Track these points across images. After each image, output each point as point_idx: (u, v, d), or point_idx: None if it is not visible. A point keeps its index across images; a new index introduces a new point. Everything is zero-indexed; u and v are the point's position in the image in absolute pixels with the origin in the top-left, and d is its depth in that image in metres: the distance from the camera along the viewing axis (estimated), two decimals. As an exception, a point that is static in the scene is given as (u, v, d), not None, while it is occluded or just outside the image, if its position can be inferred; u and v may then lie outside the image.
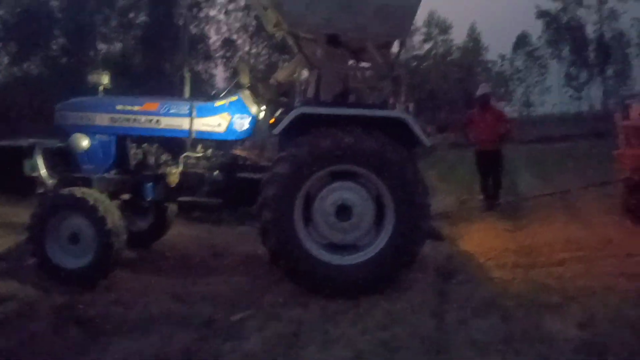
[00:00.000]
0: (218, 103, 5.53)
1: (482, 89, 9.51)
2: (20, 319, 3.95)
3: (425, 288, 4.84)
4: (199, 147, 5.62)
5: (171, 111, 5.47)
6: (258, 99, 5.63)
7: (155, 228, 6.39)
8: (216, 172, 5.44)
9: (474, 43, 51.48)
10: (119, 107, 5.51)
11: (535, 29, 55.49)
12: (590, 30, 46.32)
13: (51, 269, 4.88)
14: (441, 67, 41.65)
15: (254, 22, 26.79)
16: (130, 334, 3.90)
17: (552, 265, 5.40)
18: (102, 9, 24.50)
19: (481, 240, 6.80)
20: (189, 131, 5.40)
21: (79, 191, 4.96)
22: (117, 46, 25.14)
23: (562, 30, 47.50)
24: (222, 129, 5.45)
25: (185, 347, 3.68)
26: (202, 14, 26.42)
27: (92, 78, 5.72)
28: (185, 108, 5.44)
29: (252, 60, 27.42)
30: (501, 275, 5.09)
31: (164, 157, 5.65)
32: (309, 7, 4.92)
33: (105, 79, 5.67)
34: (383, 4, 4.94)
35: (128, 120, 5.49)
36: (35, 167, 5.25)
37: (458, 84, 39.77)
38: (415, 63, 28.47)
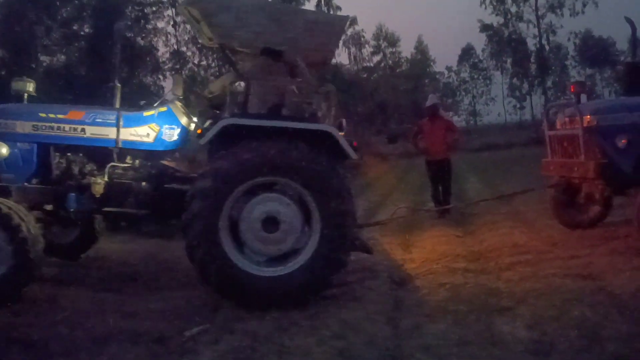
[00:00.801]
0: (147, 113, 5.49)
1: (431, 100, 9.78)
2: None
3: (380, 296, 4.89)
4: (127, 158, 5.51)
5: (97, 120, 5.38)
6: (189, 110, 5.65)
7: (83, 240, 6.33)
8: (143, 183, 5.36)
9: (422, 55, 52.86)
10: (42, 114, 5.38)
11: (479, 42, 57.46)
12: (530, 44, 48.37)
13: None
14: (390, 78, 42.48)
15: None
16: (78, 355, 3.72)
17: (500, 269, 5.55)
18: (42, 20, 23.67)
19: (433, 246, 6.94)
20: (116, 140, 5.33)
21: None
22: (61, 58, 24.31)
23: (504, 43, 49.40)
24: (150, 139, 5.40)
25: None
26: (149, 26, 25.97)
27: (16, 85, 5.61)
28: (112, 117, 5.37)
29: (202, 72, 27.16)
30: (453, 281, 5.19)
31: (89, 167, 5.49)
32: (238, 21, 4.99)
33: (30, 87, 5.59)
34: (312, 20, 5.16)
35: (52, 128, 5.34)
36: None
37: (407, 95, 40.65)
38: (365, 75, 28.89)
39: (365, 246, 5.61)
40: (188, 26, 26.66)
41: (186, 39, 26.98)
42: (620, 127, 5.95)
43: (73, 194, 5.23)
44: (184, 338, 4.01)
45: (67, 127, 5.34)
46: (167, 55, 26.77)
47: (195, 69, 27.32)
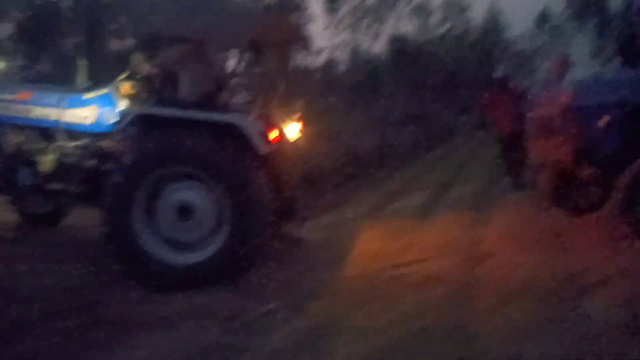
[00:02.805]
0: (87, 96, 5.61)
1: (500, 71, 9.29)
2: (47, 318, 3.90)
3: (454, 274, 4.70)
4: (71, 139, 5.63)
5: (42, 101, 5.62)
6: (131, 93, 5.65)
7: (59, 209, 6.65)
8: (85, 163, 5.47)
9: (494, 22, 50.48)
10: None
11: (557, 3, 54.09)
12: (615, 4, 44.98)
13: None
14: (460, 48, 40.94)
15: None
16: (157, 330, 3.84)
17: (585, 247, 5.19)
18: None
19: (508, 222, 6.61)
20: (58, 122, 5.52)
21: None
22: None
23: (585, 3, 46.21)
24: (89, 121, 5.53)
25: (213, 342, 3.62)
26: None
27: None
28: (54, 99, 5.57)
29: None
30: (533, 259, 4.90)
31: (37, 145, 5.67)
32: (152, 10, 5.02)
33: (0, 65, 5.83)
34: (225, 9, 5.24)
35: (1, 108, 5.67)
36: None
37: (478, 65, 39.09)
38: (432, 46, 28.00)
39: (295, 238, 5.72)
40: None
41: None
42: (600, 106, 5.37)
43: (23, 171, 5.55)
44: (256, 315, 4.04)
45: (15, 107, 5.66)
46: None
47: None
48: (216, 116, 4.96)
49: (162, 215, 4.86)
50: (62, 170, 5.49)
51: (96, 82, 5.80)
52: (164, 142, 4.79)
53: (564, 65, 6.66)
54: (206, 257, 4.79)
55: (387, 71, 24.96)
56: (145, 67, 5.71)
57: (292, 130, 5.69)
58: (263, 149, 4.85)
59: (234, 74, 5.64)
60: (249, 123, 4.87)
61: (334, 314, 3.97)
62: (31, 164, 5.56)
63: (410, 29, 26.76)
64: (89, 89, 5.71)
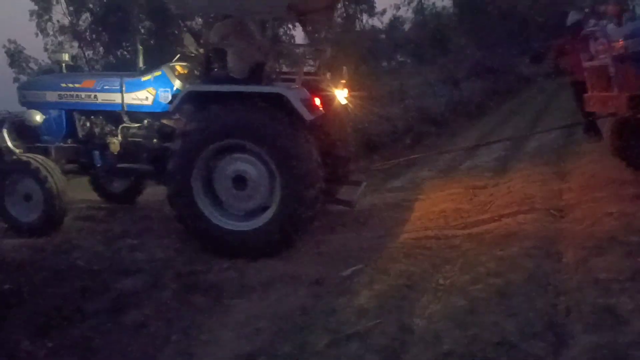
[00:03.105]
0: (144, 78, 6.02)
1: (572, 17, 8.73)
2: (149, 289, 4.26)
3: (537, 229, 4.63)
4: (135, 119, 6.12)
5: (105, 87, 6.11)
6: (185, 73, 6.04)
7: (133, 187, 7.39)
8: (151, 141, 5.91)
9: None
10: (63, 85, 6.27)
11: None
12: None
13: (13, 224, 5.88)
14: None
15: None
16: (249, 296, 4.10)
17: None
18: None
19: (593, 172, 6.37)
20: (122, 105, 6.01)
21: (24, 156, 5.90)
22: (198, 22, 25.69)
23: None
24: (149, 102, 5.94)
25: (301, 305, 3.81)
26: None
27: (54, 57, 6.42)
28: (116, 84, 6.04)
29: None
30: (621, 209, 4.71)
31: (107, 128, 6.33)
32: None
33: (66, 57, 6.55)
34: None
35: (72, 96, 6.23)
36: (2, 139, 6.12)
37: (551, 10, 36.76)
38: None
39: (346, 201, 5.84)
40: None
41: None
42: None
43: (97, 152, 6.11)
44: (340, 279, 4.20)
45: (83, 94, 6.18)
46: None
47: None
48: (261, 88, 5.09)
49: (219, 185, 5.15)
50: (129, 149, 5.98)
51: (152, 65, 6.28)
52: (214, 117, 5.00)
53: (620, 8, 6.08)
54: (259, 225, 5.02)
55: (454, 24, 24.05)
56: (195, 47, 6.03)
57: (341, 95, 5.86)
58: (308, 117, 4.93)
59: (278, 44, 5.80)
60: (293, 92, 4.97)
61: (415, 274, 4.06)
62: (101, 146, 6.10)
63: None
64: (145, 72, 6.11)
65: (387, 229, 5.44)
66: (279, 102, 4.90)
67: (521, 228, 4.67)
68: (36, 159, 5.81)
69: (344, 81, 5.99)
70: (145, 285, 4.31)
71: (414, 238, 4.96)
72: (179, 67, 6.08)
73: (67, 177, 6.11)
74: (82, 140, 6.35)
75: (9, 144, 6.12)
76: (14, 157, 5.95)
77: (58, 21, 33.06)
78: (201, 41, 5.75)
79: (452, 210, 5.83)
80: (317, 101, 5.14)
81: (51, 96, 6.30)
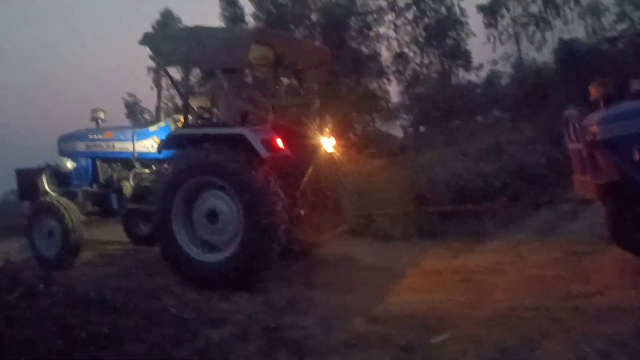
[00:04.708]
0: (152, 128, 6.97)
1: (634, 85, 7.98)
2: (234, 341, 4.28)
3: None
4: (144, 165, 7.04)
5: (120, 137, 7.09)
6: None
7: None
8: (154, 185, 6.50)
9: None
10: (90, 136, 7.28)
11: None
12: None
13: (39, 257, 6.76)
14: (636, 47, 36.64)
15: (423, 34, 26.52)
16: (332, 356, 3.98)
17: None
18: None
19: None
20: (133, 153, 6.97)
21: (49, 197, 6.89)
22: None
23: None
24: (155, 149, 6.58)
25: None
26: (372, 33, 26.88)
27: (93, 114, 7.44)
28: (129, 134, 7.02)
29: (424, 70, 27.10)
30: None
31: (122, 173, 7.20)
32: (174, 46, 6.05)
33: (101, 114, 7.44)
34: (224, 39, 5.99)
35: (96, 146, 7.23)
36: (42, 184, 7.10)
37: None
38: (607, 47, 25.44)
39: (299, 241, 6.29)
40: (409, 27, 26.95)
41: (407, 40, 27.19)
42: (633, 138, 4.59)
43: (114, 195, 6.99)
44: (429, 346, 3.99)
45: (104, 144, 7.17)
46: (390, 59, 27.33)
47: (418, 69, 27.32)
48: (227, 130, 5.83)
49: (196, 220, 5.76)
50: (140, 192, 6.76)
51: (159, 116, 7.29)
52: (186, 157, 5.73)
53: (605, 88, 5.72)
54: (225, 257, 5.51)
55: (555, 80, 23.26)
56: (195, 101, 6.80)
57: (328, 143, 6.43)
58: (265, 154, 5.46)
59: (271, 98, 6.53)
60: (252, 133, 5.55)
61: (510, 347, 3.77)
62: (117, 189, 6.95)
63: (579, 33, 24.64)
64: (152, 123, 7.08)
65: (480, 294, 5.17)
66: (243, 142, 5.50)
67: (632, 304, 4.24)
68: (59, 201, 6.72)
69: (329, 129, 6.53)
70: (231, 336, 4.34)
71: (509, 307, 4.65)
72: (182, 117, 6.67)
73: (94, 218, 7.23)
74: (103, 184, 7.26)
75: (46, 187, 7.08)
76: (42, 199, 6.91)
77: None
78: (202, 95, 6.49)
79: (552, 278, 5.44)
80: (279, 142, 5.66)
81: (80, 146, 7.31)
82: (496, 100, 26.14)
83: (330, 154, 6.55)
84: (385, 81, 26.75)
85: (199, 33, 6.08)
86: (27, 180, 7.45)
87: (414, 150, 16.41)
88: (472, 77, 27.56)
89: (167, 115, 7.54)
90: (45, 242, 6.81)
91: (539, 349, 3.70)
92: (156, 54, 6.27)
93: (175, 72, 6.59)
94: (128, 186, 6.84)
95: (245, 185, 5.39)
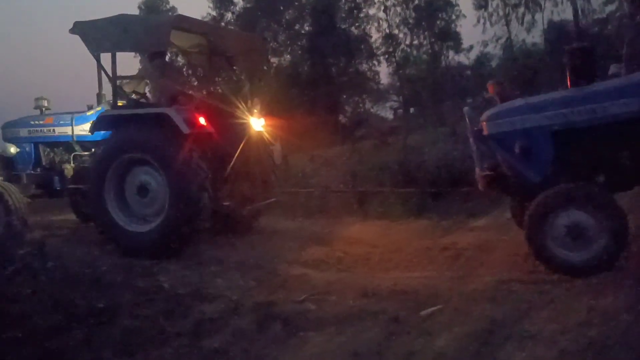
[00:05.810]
0: (89, 112, 7.50)
1: (611, 70, 7.98)
2: (227, 316, 4.36)
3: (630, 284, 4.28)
4: (84, 147, 7.54)
5: (60, 122, 7.67)
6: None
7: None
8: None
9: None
10: (32, 122, 7.81)
11: None
12: None
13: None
14: (630, 27, 36.74)
15: (413, 15, 26.38)
16: (325, 329, 4.06)
17: None
18: (270, 26, 26.09)
19: None
20: (72, 136, 7.57)
21: None
22: (286, 58, 26.56)
23: None
24: (92, 132, 6.85)
25: (377, 344, 3.73)
26: (362, 15, 26.71)
27: (37, 102, 7.98)
28: (68, 119, 7.60)
29: (414, 52, 27.04)
30: None
31: (64, 156, 7.74)
32: (102, 34, 6.33)
33: (45, 102, 7.98)
34: (147, 26, 6.53)
35: (38, 131, 7.75)
36: None
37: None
38: (596, 28, 25.51)
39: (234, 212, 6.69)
40: (399, 8, 26.79)
41: (397, 21, 27.05)
42: (515, 133, 4.94)
43: (56, 177, 7.48)
44: (419, 319, 4.08)
45: (45, 129, 7.71)
46: (380, 40, 27.23)
47: (408, 50, 27.25)
48: (151, 110, 6.31)
49: (129, 194, 6.22)
50: (80, 173, 7.15)
51: (100, 101, 7.61)
52: (115, 137, 6.22)
53: (501, 87, 6.01)
54: (155, 226, 5.93)
55: (544, 61, 23.33)
56: (129, 85, 7.17)
57: (257, 123, 6.92)
58: (185, 130, 5.85)
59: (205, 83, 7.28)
60: (174, 112, 5.97)
61: (498, 319, 3.86)
62: (59, 171, 7.42)
63: (569, 14, 24.62)
64: (90, 108, 7.59)
65: (469, 270, 5.27)
66: (167, 121, 5.89)
67: (617, 277, 4.35)
68: (1, 185, 7.02)
69: (256, 111, 7.00)
70: (225, 312, 4.41)
71: (497, 281, 4.75)
72: (120, 102, 6.86)
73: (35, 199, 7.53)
74: (46, 167, 7.81)
75: None
76: None
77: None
78: (110, 75, 6.60)
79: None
80: (202, 120, 6.12)
81: (23, 132, 7.78)
82: (486, 82, 26.17)
83: (260, 133, 6.98)
84: (375, 62, 26.65)
85: (124, 21, 6.43)
86: None
87: (405, 132, 16.46)
88: (462, 58, 27.55)
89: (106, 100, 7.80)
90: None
91: (526, 321, 3.80)
92: (86, 42, 6.48)
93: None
94: (69, 168, 7.30)
95: (168, 158, 5.82)
